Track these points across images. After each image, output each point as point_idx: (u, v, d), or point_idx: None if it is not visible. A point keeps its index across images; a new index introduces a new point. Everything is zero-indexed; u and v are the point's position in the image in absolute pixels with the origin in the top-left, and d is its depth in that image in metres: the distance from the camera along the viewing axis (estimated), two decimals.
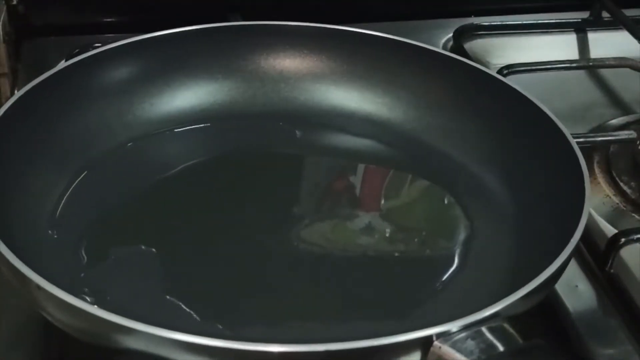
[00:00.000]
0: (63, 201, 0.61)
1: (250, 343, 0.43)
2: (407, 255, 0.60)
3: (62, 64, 0.66)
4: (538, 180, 0.61)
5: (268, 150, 0.70)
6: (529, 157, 0.63)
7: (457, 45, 0.84)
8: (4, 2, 0.84)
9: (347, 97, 0.73)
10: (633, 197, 0.68)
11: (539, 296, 0.49)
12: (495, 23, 0.90)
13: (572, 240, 0.51)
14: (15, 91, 0.78)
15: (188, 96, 0.72)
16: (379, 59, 0.72)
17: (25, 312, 0.56)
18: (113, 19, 0.89)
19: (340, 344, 0.43)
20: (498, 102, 0.67)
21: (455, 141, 0.68)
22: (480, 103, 0.68)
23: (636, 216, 0.67)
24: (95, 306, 0.45)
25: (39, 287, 0.46)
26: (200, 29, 0.72)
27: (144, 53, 0.70)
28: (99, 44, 0.71)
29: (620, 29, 0.86)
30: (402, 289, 0.57)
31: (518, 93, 0.65)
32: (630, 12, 0.88)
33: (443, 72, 0.70)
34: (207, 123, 0.71)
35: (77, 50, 0.82)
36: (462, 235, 0.61)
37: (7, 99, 0.61)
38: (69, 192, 0.62)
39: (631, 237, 0.58)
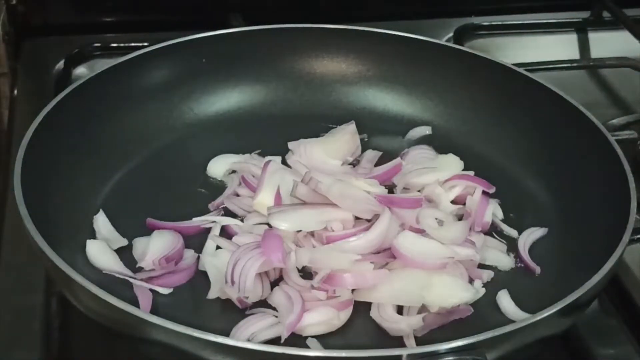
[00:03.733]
0: (105, 199, 0.62)
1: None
2: None
3: (105, 66, 0.67)
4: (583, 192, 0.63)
5: None
6: (570, 159, 0.65)
7: (458, 44, 0.84)
8: (3, 1, 0.84)
9: (381, 97, 0.74)
10: None
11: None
12: (495, 23, 0.90)
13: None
14: (15, 91, 0.78)
15: (228, 98, 0.72)
16: (417, 60, 0.73)
17: (25, 311, 0.57)
18: (113, 19, 0.89)
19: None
20: (543, 108, 0.68)
21: (497, 144, 0.70)
22: (521, 107, 0.70)
23: (637, 216, 0.67)
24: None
25: (80, 285, 0.48)
26: (238, 31, 0.73)
27: (185, 55, 0.71)
28: (140, 43, 0.73)
29: (621, 28, 0.86)
30: None
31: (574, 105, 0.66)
32: (630, 12, 0.88)
33: (492, 78, 0.71)
34: (247, 124, 0.71)
35: (76, 50, 0.82)
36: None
37: (7, 98, 0.60)
38: (110, 191, 0.63)
39: (631, 237, 0.57)
